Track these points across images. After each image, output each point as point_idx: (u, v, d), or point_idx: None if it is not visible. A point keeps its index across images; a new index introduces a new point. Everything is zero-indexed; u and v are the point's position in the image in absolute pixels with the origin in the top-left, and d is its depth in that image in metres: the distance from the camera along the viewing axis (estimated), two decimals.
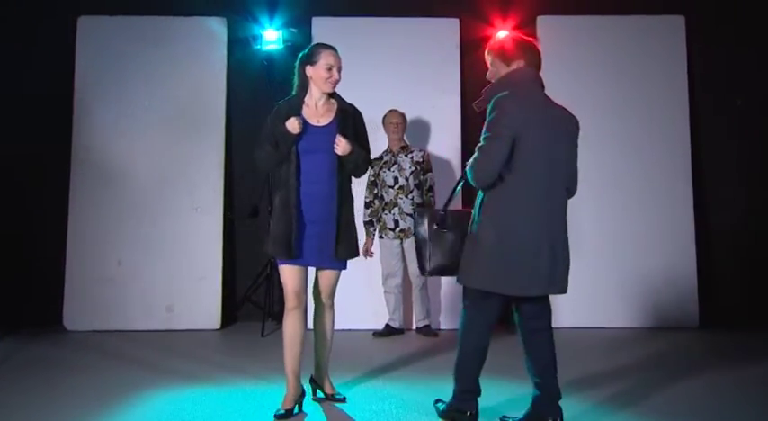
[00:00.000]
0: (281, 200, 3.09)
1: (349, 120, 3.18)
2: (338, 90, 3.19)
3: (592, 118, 5.46)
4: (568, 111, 2.88)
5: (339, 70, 3.13)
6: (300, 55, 3.19)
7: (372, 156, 5.10)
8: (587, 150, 5.43)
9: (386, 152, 5.14)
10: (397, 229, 5.03)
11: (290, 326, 3.10)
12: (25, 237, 5.48)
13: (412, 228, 4.98)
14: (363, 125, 3.26)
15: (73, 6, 5.50)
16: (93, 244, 5.30)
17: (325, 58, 3.10)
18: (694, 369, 3.97)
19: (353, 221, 3.22)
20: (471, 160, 2.76)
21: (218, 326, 5.32)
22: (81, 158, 5.40)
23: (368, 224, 5.09)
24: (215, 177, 5.50)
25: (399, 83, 5.44)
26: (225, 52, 5.57)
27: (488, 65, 2.96)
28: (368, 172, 5.11)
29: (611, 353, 4.35)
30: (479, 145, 2.74)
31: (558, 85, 5.67)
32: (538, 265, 2.74)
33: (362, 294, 5.27)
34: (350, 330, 5.20)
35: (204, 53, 5.52)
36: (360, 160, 3.18)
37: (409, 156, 5.06)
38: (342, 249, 3.14)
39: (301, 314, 3.12)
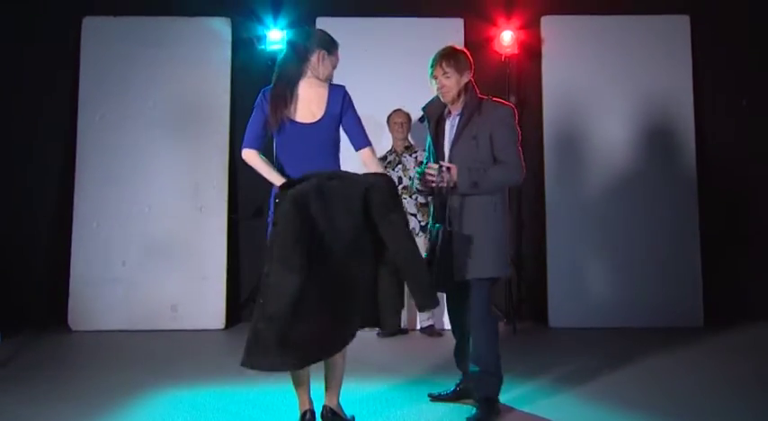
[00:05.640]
0: None
1: None
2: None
3: (596, 117, 5.49)
4: None
5: None
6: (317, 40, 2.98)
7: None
8: (592, 150, 5.52)
9: (390, 152, 5.13)
10: None
11: None
12: (30, 237, 5.50)
13: (416, 228, 4.98)
14: None
15: (77, 7, 5.51)
16: (98, 244, 5.31)
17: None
18: (698, 368, 3.97)
19: None
20: (510, 168, 3.05)
21: (222, 326, 5.32)
22: (85, 159, 5.41)
23: None
24: (219, 177, 5.50)
25: (403, 83, 5.41)
26: (229, 53, 5.57)
27: (440, 76, 3.07)
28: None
29: (616, 353, 4.33)
30: (514, 150, 3.07)
31: (563, 85, 5.71)
32: None
33: None
34: None
35: (208, 53, 5.53)
36: None
37: (413, 155, 5.06)
38: None
39: None
